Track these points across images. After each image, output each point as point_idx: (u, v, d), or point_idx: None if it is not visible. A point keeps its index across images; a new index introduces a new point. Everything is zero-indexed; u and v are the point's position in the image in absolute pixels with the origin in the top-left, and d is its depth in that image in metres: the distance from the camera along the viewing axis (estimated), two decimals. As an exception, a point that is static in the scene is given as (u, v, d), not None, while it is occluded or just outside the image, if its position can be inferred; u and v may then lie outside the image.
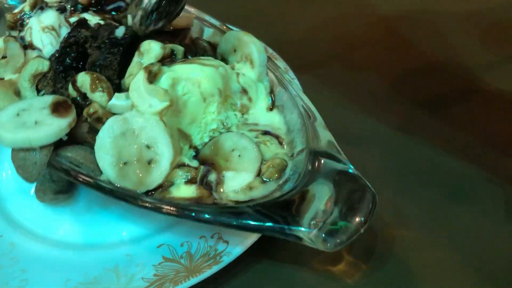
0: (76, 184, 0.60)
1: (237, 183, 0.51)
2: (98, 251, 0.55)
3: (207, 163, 0.53)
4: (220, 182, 0.51)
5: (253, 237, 0.52)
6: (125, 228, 0.57)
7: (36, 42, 0.63)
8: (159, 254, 0.53)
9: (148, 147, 0.49)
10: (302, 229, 0.44)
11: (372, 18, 0.93)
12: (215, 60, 0.58)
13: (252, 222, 0.45)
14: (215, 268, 0.50)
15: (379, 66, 0.82)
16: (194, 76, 0.53)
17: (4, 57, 0.61)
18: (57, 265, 0.53)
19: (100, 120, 0.52)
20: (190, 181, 0.50)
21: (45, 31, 0.62)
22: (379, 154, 0.66)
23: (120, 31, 0.57)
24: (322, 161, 0.49)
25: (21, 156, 0.52)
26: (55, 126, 0.50)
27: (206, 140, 0.54)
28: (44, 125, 0.50)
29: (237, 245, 0.52)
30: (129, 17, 0.58)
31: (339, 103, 0.74)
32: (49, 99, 0.53)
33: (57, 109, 0.52)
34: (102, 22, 0.62)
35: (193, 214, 0.46)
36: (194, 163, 0.52)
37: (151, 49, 0.55)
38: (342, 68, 0.81)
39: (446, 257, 0.55)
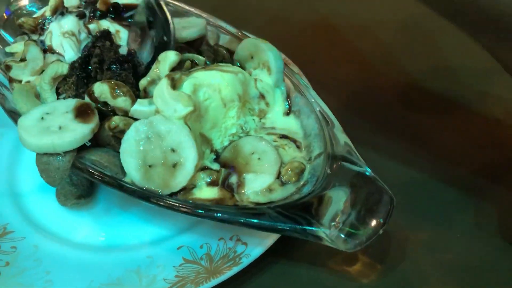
0: (96, 188, 0.61)
1: (257, 185, 0.53)
2: (119, 253, 0.56)
3: (228, 166, 0.54)
4: (241, 184, 0.52)
5: (271, 239, 0.54)
6: (145, 230, 0.58)
7: (56, 47, 0.64)
8: (179, 255, 0.54)
9: (173, 150, 0.51)
10: (323, 229, 0.46)
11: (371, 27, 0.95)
12: (234, 66, 0.60)
13: (274, 223, 0.46)
14: (235, 270, 0.51)
15: (390, 73, 0.83)
16: (215, 82, 0.55)
17: (23, 59, 0.62)
18: (80, 266, 0.54)
19: (123, 132, 0.53)
20: (212, 183, 0.52)
21: (65, 36, 0.63)
22: (393, 158, 0.67)
23: (123, 50, 0.60)
24: (340, 164, 0.51)
25: (44, 160, 0.53)
26: (79, 132, 0.51)
27: (226, 144, 0.56)
28: (68, 130, 0.51)
29: (256, 246, 0.53)
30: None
31: (350, 108, 0.75)
32: (72, 103, 0.54)
33: (80, 114, 0.53)
34: (120, 29, 0.64)
35: (217, 214, 0.47)
36: (215, 166, 0.54)
37: (167, 57, 0.57)
38: (354, 75, 0.83)
39: (458, 258, 0.56)
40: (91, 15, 0.65)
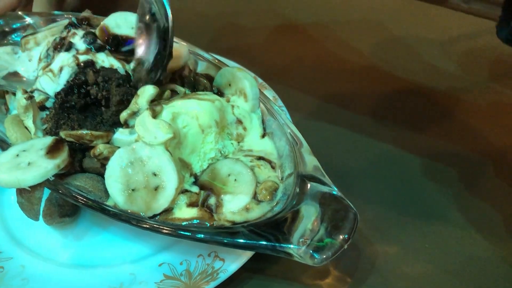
0: (79, 208, 0.64)
1: (235, 205, 0.56)
2: (103, 270, 0.59)
3: (206, 188, 0.57)
4: (219, 205, 0.56)
5: (247, 255, 0.57)
6: (127, 248, 0.61)
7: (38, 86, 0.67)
8: (160, 272, 0.57)
9: (154, 174, 0.54)
10: (292, 246, 0.49)
11: (356, 46, 1.00)
12: (212, 94, 0.63)
13: (246, 241, 0.50)
14: (212, 284, 0.54)
15: (363, 90, 0.88)
16: (192, 110, 0.59)
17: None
18: (66, 284, 0.57)
19: (107, 159, 0.56)
20: (191, 204, 0.55)
21: (45, 72, 0.66)
22: (361, 176, 0.71)
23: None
24: (309, 184, 0.54)
25: (19, 199, 0.57)
26: (43, 167, 0.54)
27: (205, 167, 0.59)
28: (34, 166, 0.54)
29: (232, 262, 0.56)
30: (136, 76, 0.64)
31: (323, 127, 0.79)
32: (48, 140, 0.57)
33: (51, 150, 0.56)
34: (115, 63, 0.67)
35: (192, 234, 0.51)
36: (195, 189, 0.57)
37: (145, 91, 0.60)
38: (328, 93, 0.87)
39: (425, 270, 0.60)
40: (89, 47, 0.68)
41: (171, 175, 0.54)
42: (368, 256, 0.61)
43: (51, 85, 0.66)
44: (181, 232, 0.51)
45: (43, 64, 0.69)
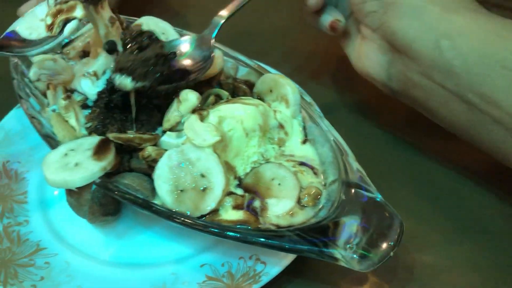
0: (122, 207, 0.66)
1: (279, 209, 0.57)
2: (145, 270, 0.60)
3: (250, 191, 0.59)
4: (264, 208, 0.57)
5: (288, 259, 0.58)
6: (169, 248, 0.62)
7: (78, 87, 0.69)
8: (203, 273, 0.58)
9: (203, 176, 0.55)
10: (338, 251, 0.50)
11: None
12: (255, 99, 0.65)
13: (294, 245, 0.51)
14: (254, 287, 0.55)
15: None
16: (238, 114, 0.60)
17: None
18: (109, 282, 0.58)
19: (155, 161, 0.58)
20: (237, 207, 0.56)
21: (88, 76, 0.68)
22: (398, 184, 0.71)
23: None
24: (353, 191, 0.55)
25: (69, 199, 0.58)
26: (89, 170, 0.55)
27: (248, 170, 0.60)
28: (81, 168, 0.55)
29: (274, 266, 0.57)
30: None
31: (358, 130, 0.80)
32: (95, 140, 0.58)
33: (97, 151, 0.57)
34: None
35: (241, 236, 0.52)
36: (240, 191, 0.59)
37: (189, 100, 0.62)
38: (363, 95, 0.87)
39: (465, 279, 0.60)
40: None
41: (219, 176, 0.55)
42: (406, 265, 0.62)
43: (91, 87, 0.67)
44: (230, 234, 0.52)
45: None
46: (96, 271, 0.60)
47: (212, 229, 0.53)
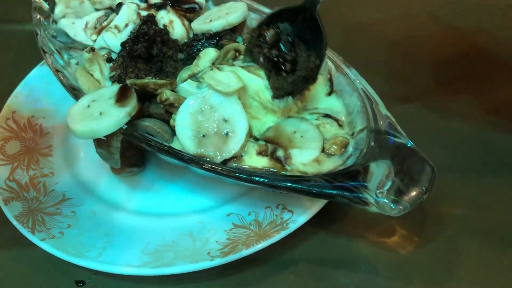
0: (146, 160, 0.66)
1: (304, 158, 0.56)
2: (171, 219, 0.60)
3: (272, 143, 0.58)
4: (288, 157, 0.56)
5: (315, 208, 0.57)
6: (194, 200, 0.62)
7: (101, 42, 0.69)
8: (229, 221, 0.58)
9: (225, 120, 0.55)
10: (369, 195, 0.49)
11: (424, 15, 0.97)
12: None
13: (324, 190, 0.50)
14: (283, 233, 0.55)
15: (436, 57, 0.86)
16: (255, 85, 0.60)
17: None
18: (135, 230, 0.58)
19: (173, 105, 0.58)
20: (261, 153, 0.56)
21: (109, 29, 0.68)
22: (425, 139, 0.70)
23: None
24: (383, 138, 0.54)
25: (98, 150, 0.58)
26: (115, 116, 0.55)
27: (263, 131, 0.60)
28: (106, 116, 0.55)
29: (301, 214, 0.56)
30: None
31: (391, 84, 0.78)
32: (115, 88, 0.58)
33: (120, 98, 0.57)
34: (174, 19, 0.68)
35: (269, 181, 0.51)
36: (261, 142, 0.58)
37: (208, 54, 0.62)
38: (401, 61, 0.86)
39: (491, 230, 0.59)
40: (146, 5, 0.69)
41: (242, 120, 0.55)
42: (434, 217, 0.61)
43: (114, 40, 0.67)
44: (257, 178, 0.51)
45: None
46: (123, 220, 0.60)
47: (238, 174, 0.52)
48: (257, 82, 0.60)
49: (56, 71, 0.62)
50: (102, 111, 0.55)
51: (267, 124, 0.61)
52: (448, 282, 0.55)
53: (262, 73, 0.61)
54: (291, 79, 0.58)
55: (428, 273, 0.56)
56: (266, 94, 0.59)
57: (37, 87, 0.74)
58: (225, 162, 0.55)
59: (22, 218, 0.58)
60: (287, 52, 0.58)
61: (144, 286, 0.56)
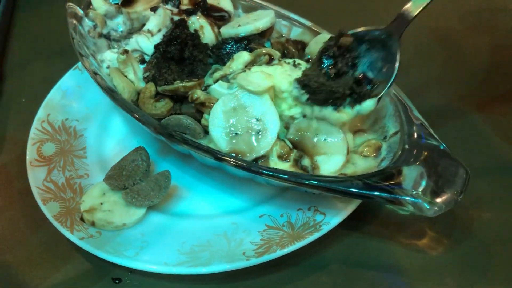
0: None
1: (331, 166, 0.58)
2: (206, 220, 0.61)
3: (297, 148, 0.59)
4: (315, 167, 0.57)
5: (347, 210, 0.58)
6: (226, 201, 0.63)
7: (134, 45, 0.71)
8: (262, 222, 0.59)
9: (257, 119, 0.57)
10: (405, 197, 0.50)
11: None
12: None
13: (360, 190, 0.51)
14: (316, 235, 0.56)
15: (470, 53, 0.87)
16: (284, 82, 0.61)
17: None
18: (171, 231, 0.59)
19: (204, 104, 0.59)
20: (282, 158, 0.58)
21: (142, 33, 0.70)
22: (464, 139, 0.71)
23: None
24: (416, 141, 0.55)
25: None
26: None
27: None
28: None
29: (334, 216, 0.58)
30: None
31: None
32: None
33: None
34: (205, 24, 0.71)
35: (311, 181, 0.52)
36: (288, 143, 0.59)
37: (241, 56, 0.64)
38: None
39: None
40: (181, 10, 0.72)
41: (274, 119, 0.57)
42: (464, 221, 0.62)
43: (147, 43, 0.70)
44: (294, 179, 0.52)
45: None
46: (158, 221, 0.61)
47: (275, 174, 0.53)
48: (286, 78, 0.61)
49: (94, 74, 0.63)
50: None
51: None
52: (479, 284, 0.56)
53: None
54: (322, 80, 0.58)
55: (459, 275, 0.57)
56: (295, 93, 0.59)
57: (69, 91, 0.76)
58: (255, 161, 0.57)
59: (60, 217, 0.59)
60: (344, 65, 0.58)
61: (177, 285, 0.57)
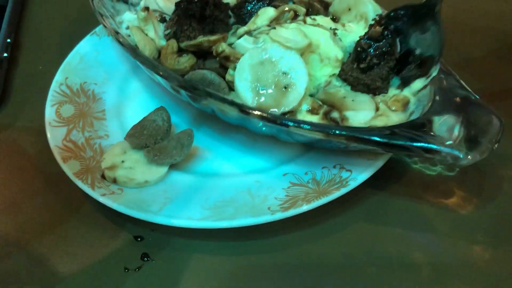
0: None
1: (361, 118, 0.56)
2: (228, 179, 0.60)
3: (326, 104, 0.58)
4: (344, 118, 0.56)
5: (374, 167, 0.57)
6: (248, 161, 0.62)
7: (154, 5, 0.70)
8: (286, 180, 0.58)
9: (285, 73, 0.55)
10: (437, 146, 0.49)
11: None
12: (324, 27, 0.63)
13: (390, 140, 0.49)
14: (343, 190, 0.55)
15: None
16: (316, 38, 0.60)
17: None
18: (193, 188, 0.58)
19: (228, 59, 0.58)
20: (312, 111, 0.56)
21: None
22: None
23: None
24: (447, 92, 0.54)
25: None
26: None
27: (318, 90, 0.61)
28: None
29: (361, 173, 0.56)
30: None
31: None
32: None
33: None
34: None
35: (341, 132, 0.50)
36: (317, 100, 0.58)
37: (266, 12, 0.63)
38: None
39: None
40: None
41: (302, 74, 0.55)
42: (493, 179, 0.60)
43: (167, 3, 0.69)
44: (323, 129, 0.51)
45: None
46: (180, 178, 0.60)
47: (302, 125, 0.51)
48: (321, 36, 0.60)
49: (115, 32, 0.62)
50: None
51: (319, 80, 0.61)
52: (510, 240, 0.54)
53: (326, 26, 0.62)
54: (355, 74, 0.59)
55: (490, 232, 0.55)
56: (327, 48, 0.58)
57: (88, 56, 0.75)
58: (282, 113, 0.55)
59: (81, 175, 0.58)
60: (374, 56, 0.58)
61: (200, 242, 0.55)
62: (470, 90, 0.53)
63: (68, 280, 0.52)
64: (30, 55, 0.82)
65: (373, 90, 0.58)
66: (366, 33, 0.58)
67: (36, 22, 0.89)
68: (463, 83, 0.54)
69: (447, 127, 0.50)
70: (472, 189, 0.59)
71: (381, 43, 0.57)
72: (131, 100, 0.71)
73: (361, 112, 0.57)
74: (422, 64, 0.58)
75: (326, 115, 0.57)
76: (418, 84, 0.57)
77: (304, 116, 0.56)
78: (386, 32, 0.57)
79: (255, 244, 0.55)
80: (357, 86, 0.58)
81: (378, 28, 0.57)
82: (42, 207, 0.59)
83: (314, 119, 0.56)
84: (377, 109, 0.57)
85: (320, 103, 0.58)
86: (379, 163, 0.57)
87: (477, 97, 0.52)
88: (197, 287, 0.51)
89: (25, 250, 0.55)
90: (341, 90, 0.60)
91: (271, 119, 0.52)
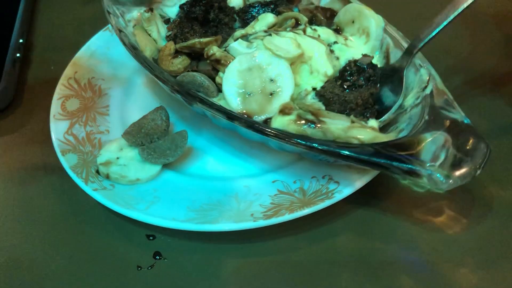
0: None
1: (338, 124, 0.56)
2: (218, 182, 0.61)
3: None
4: (322, 121, 0.55)
5: (361, 181, 0.57)
6: (239, 166, 0.63)
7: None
8: (274, 187, 0.59)
9: (272, 80, 0.56)
10: (420, 168, 0.48)
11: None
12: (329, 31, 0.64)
13: (372, 158, 0.49)
14: (327, 202, 0.55)
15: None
16: (311, 49, 0.60)
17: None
18: (183, 189, 0.60)
19: (219, 62, 0.59)
20: (282, 111, 0.57)
21: None
22: (486, 115, 0.69)
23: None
24: (438, 112, 0.53)
25: None
26: None
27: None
28: None
29: (347, 186, 0.56)
30: None
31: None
32: None
33: None
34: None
35: (319, 146, 0.51)
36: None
37: (266, 18, 0.63)
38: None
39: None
40: None
41: (289, 81, 0.56)
42: (483, 200, 0.60)
43: (170, 9, 0.71)
44: (303, 142, 0.51)
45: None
46: (171, 179, 0.61)
47: (292, 139, 0.52)
48: (316, 50, 0.60)
49: (119, 31, 0.64)
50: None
51: (301, 89, 0.61)
52: (500, 263, 0.54)
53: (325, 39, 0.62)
54: (336, 91, 0.59)
55: (478, 254, 0.55)
56: (319, 62, 0.59)
57: (98, 51, 0.77)
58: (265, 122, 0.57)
59: (77, 169, 0.60)
60: (359, 79, 0.60)
61: (208, 245, 0.57)
62: (462, 113, 0.52)
63: (80, 275, 0.54)
64: (42, 55, 0.84)
65: (350, 109, 0.58)
66: (358, 60, 0.61)
67: (49, 23, 0.91)
68: (456, 104, 0.53)
69: (433, 148, 0.49)
70: (461, 209, 0.59)
71: (371, 70, 0.59)
72: (135, 97, 0.73)
73: (337, 121, 0.57)
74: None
75: (301, 117, 0.56)
76: (409, 100, 0.56)
77: (276, 117, 0.56)
78: (374, 65, 0.60)
79: (256, 246, 0.56)
80: (332, 105, 0.58)
81: (370, 57, 0.61)
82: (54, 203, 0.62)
83: (285, 120, 0.56)
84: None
85: (296, 107, 0.58)
86: (368, 177, 0.57)
87: (468, 120, 0.52)
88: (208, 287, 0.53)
89: (37, 239, 0.57)
90: (316, 103, 0.60)
91: (252, 126, 0.53)
